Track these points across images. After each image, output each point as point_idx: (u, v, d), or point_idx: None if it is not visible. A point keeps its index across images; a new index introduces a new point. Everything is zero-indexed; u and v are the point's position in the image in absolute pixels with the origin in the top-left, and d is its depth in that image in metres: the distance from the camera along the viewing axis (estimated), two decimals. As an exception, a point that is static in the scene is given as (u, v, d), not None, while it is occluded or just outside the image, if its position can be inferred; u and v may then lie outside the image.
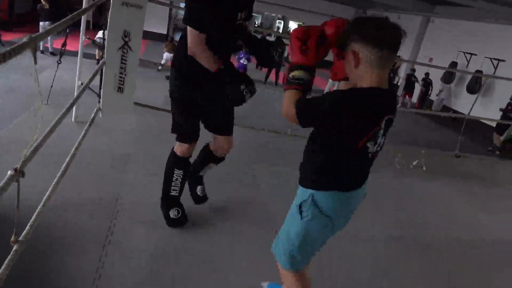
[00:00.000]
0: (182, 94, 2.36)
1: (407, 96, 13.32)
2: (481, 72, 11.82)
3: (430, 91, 13.45)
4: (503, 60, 11.68)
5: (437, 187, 4.09)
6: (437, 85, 13.38)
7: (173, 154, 2.54)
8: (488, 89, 12.30)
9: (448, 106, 13.55)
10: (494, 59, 11.91)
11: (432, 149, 5.30)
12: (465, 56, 12.93)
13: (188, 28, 2.08)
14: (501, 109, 10.29)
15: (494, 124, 10.24)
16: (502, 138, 10.43)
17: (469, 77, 12.49)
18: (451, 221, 3.47)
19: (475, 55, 12.63)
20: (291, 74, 1.51)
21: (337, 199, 1.56)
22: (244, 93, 2.05)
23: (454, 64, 12.89)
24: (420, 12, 14.08)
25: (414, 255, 2.89)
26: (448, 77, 13.25)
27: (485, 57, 12.06)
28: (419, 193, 3.92)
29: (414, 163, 4.54)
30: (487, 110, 10.28)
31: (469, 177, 4.49)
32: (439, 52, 13.93)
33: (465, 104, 12.81)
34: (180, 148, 2.51)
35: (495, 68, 11.87)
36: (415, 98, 13.69)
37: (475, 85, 12.16)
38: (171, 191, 2.54)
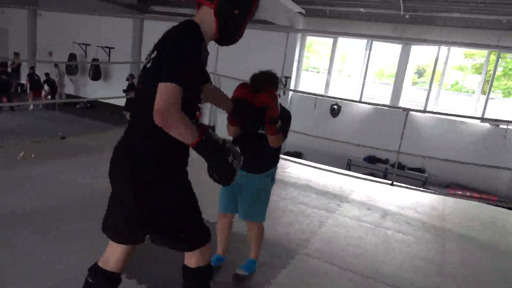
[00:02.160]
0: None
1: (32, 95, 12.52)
2: (98, 60, 12.88)
3: (58, 89, 13.23)
4: (113, 48, 13.21)
5: (46, 167, 4.29)
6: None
7: (195, 270, 1.82)
8: (107, 74, 13.68)
9: (77, 94, 14.13)
10: (106, 47, 13.26)
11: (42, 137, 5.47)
12: (81, 47, 13.66)
13: (163, 84, 1.44)
14: (124, 90, 11.73)
15: (119, 103, 11.61)
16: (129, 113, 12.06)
17: (89, 66, 13.35)
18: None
19: (90, 45, 13.57)
20: (277, 126, 2.25)
21: None
22: (235, 167, 1.63)
23: (73, 56, 13.36)
24: (24, 5, 13.44)
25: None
26: (71, 69, 13.67)
27: (98, 46, 13.18)
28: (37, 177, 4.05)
29: (21, 154, 4.50)
30: (112, 92, 11.42)
31: (74, 153, 4.96)
32: (57, 46, 13.97)
33: (92, 90, 13.76)
34: (205, 253, 1.83)
35: (109, 55, 13.27)
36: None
37: (95, 73, 13.18)
38: None
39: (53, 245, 2.75)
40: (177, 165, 1.77)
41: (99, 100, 12.77)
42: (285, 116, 2.38)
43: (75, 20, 13.72)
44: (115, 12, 11.97)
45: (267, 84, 2.33)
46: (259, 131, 2.39)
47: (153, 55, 1.59)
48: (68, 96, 13.42)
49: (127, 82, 11.65)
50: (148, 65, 1.61)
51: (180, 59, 1.48)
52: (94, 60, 12.77)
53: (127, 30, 12.91)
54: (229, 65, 11.28)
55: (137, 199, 1.65)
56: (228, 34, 1.72)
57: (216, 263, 2.66)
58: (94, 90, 13.56)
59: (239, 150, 1.67)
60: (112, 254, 1.79)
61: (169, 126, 1.46)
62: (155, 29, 13.44)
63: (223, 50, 11.74)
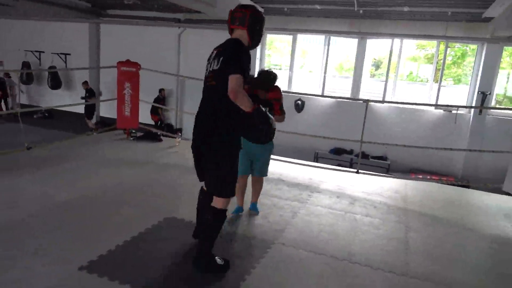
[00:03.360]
0: (233, 148, 2.58)
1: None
2: (55, 67, 12.42)
3: (10, 93, 12.65)
4: (69, 54, 12.79)
5: (10, 179, 4.16)
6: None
7: (218, 210, 2.63)
8: (68, 81, 13.24)
9: (37, 104, 13.55)
10: (62, 53, 12.82)
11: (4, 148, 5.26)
12: (35, 55, 13.11)
13: (231, 76, 2.34)
14: (82, 97, 11.42)
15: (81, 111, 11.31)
16: (93, 121, 11.77)
17: (46, 74, 12.85)
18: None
19: (43, 52, 13.06)
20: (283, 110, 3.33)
21: None
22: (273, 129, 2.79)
23: (26, 64, 12.81)
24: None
25: None
26: (28, 78, 13.10)
27: (53, 53, 12.71)
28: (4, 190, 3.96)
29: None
30: (74, 100, 11.09)
31: (39, 163, 4.83)
32: (8, 54, 13.32)
33: (50, 99, 13.28)
34: (226, 201, 2.65)
35: (65, 62, 12.83)
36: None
37: (54, 81, 12.71)
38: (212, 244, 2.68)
39: (25, 259, 2.70)
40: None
41: (55, 108, 12.37)
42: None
43: (26, 27, 13.16)
44: (70, 17, 11.60)
45: (274, 81, 3.46)
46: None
47: (220, 60, 2.48)
48: (23, 106, 12.85)
49: (85, 90, 11.37)
50: (216, 67, 2.50)
51: (240, 61, 2.41)
52: (51, 67, 12.30)
53: (83, 35, 12.53)
54: (192, 66, 11.26)
55: (225, 155, 2.56)
56: (256, 42, 2.68)
57: (238, 212, 3.72)
58: (53, 99, 13.08)
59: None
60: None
61: (238, 99, 2.35)
62: (112, 32, 13.25)
63: (185, 53, 11.70)
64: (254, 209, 3.81)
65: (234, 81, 2.33)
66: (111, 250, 2.88)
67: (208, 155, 2.59)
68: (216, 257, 2.69)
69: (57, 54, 12.78)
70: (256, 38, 2.63)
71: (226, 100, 2.39)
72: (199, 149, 2.64)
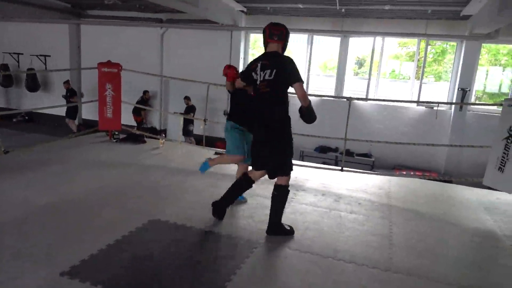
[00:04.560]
0: (290, 135, 3.32)
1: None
2: (33, 69, 12.15)
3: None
4: (49, 56, 12.53)
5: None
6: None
7: (284, 186, 3.31)
8: (47, 83, 12.97)
9: (17, 108, 13.24)
10: (41, 55, 12.54)
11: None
12: (13, 57, 12.81)
13: (296, 84, 3.10)
14: (63, 96, 11.19)
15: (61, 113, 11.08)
16: (76, 122, 11.57)
17: (24, 76, 12.56)
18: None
19: (22, 54, 12.76)
20: None
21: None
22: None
23: (5, 66, 12.48)
24: None
25: None
26: (7, 81, 12.76)
27: (32, 54, 12.43)
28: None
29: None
30: (53, 103, 10.83)
31: (20, 167, 4.72)
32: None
33: (29, 102, 13.02)
34: (288, 178, 3.32)
35: (45, 64, 12.57)
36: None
37: (33, 83, 12.42)
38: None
39: (4, 265, 2.63)
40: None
41: (35, 111, 12.10)
42: None
43: (4, 29, 12.84)
44: (50, 18, 11.37)
45: None
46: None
47: (274, 72, 3.11)
48: (1, 110, 12.55)
49: (66, 89, 11.13)
50: (270, 77, 3.13)
51: (297, 70, 3.13)
52: (30, 69, 12.01)
53: (63, 36, 12.30)
54: (176, 66, 11.18)
55: (282, 147, 3.27)
56: (284, 52, 3.31)
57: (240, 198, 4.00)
58: (32, 102, 12.79)
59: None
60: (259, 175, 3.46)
61: (306, 99, 3.19)
62: (93, 33, 13.05)
63: (168, 53, 11.60)
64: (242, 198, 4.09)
65: (301, 87, 3.11)
66: (94, 254, 2.83)
67: (270, 144, 3.25)
68: (284, 224, 3.40)
69: (37, 56, 12.49)
70: (285, 50, 3.31)
71: (279, 102, 3.20)
72: (260, 142, 3.29)
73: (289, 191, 3.34)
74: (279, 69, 3.11)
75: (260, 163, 3.36)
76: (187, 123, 9.94)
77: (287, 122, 3.28)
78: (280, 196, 3.31)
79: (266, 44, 3.25)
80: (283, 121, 3.24)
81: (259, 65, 3.20)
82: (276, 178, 3.33)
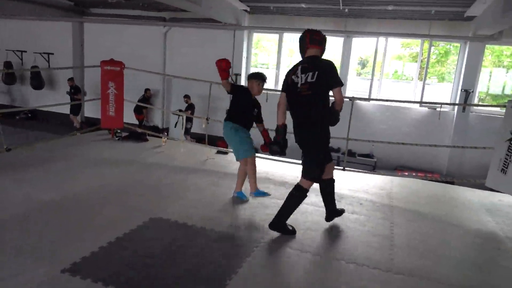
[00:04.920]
0: (325, 140, 3.32)
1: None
2: (37, 66, 12.17)
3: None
4: (52, 53, 12.55)
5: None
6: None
7: (303, 189, 3.32)
8: (51, 81, 13.00)
9: (13, 105, 13.26)
10: (45, 53, 12.57)
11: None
12: (16, 54, 12.84)
13: (337, 88, 3.18)
14: (67, 92, 11.20)
15: (65, 111, 11.11)
16: (79, 118, 11.60)
17: (28, 74, 12.58)
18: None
19: (25, 52, 12.80)
20: None
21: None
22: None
23: (8, 64, 12.51)
24: None
25: None
26: (10, 79, 12.78)
27: (35, 52, 12.46)
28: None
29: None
30: (58, 100, 10.84)
31: (22, 164, 4.73)
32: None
33: (34, 99, 13.04)
34: (310, 184, 3.33)
35: (48, 62, 12.60)
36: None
37: (37, 81, 12.44)
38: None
39: (5, 261, 2.64)
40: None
41: (39, 108, 12.13)
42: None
43: (7, 26, 12.88)
44: (53, 16, 11.39)
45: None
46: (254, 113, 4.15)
47: (315, 74, 3.14)
48: (3, 107, 12.58)
49: (70, 86, 11.17)
50: (312, 80, 3.15)
51: (338, 74, 3.23)
52: (33, 67, 12.04)
53: (66, 34, 12.32)
54: (178, 65, 11.19)
55: (314, 150, 3.30)
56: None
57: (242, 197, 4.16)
58: (37, 100, 12.82)
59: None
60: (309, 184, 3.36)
61: (342, 103, 3.20)
62: (96, 31, 13.08)
63: (171, 52, 11.61)
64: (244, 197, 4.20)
65: (340, 92, 3.20)
66: (95, 251, 2.84)
67: (305, 144, 3.31)
68: (287, 225, 3.40)
69: (40, 53, 12.52)
70: (323, 54, 3.40)
71: (319, 105, 3.20)
72: (299, 144, 3.35)
73: (306, 195, 3.34)
74: (321, 72, 3.15)
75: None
76: (186, 121, 9.96)
77: (324, 126, 3.27)
78: (295, 196, 3.32)
79: (305, 49, 3.30)
80: (320, 124, 3.23)
81: (299, 68, 3.23)
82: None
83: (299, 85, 3.20)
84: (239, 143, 3.95)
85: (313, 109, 3.21)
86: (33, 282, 2.43)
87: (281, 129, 3.33)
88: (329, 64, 3.21)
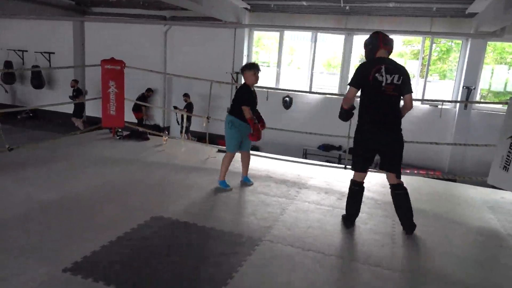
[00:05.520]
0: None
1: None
2: (38, 66, 12.20)
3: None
4: (53, 53, 12.56)
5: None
6: None
7: (402, 185, 3.57)
8: (52, 80, 13.02)
9: (21, 105, 13.27)
10: (45, 52, 12.59)
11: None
12: (17, 54, 12.86)
13: (410, 94, 3.47)
14: (70, 97, 11.24)
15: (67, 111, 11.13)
16: (81, 119, 11.60)
17: (29, 73, 12.60)
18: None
19: (26, 51, 12.81)
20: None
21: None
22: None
23: (9, 63, 12.54)
24: None
25: None
26: (9, 78, 12.81)
27: (36, 52, 12.48)
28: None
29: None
30: (58, 100, 10.85)
31: (23, 164, 4.75)
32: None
33: (34, 99, 13.05)
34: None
35: (49, 61, 12.60)
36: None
37: (38, 80, 12.46)
38: None
39: (7, 261, 2.64)
40: None
41: (40, 108, 12.14)
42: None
43: (8, 25, 12.88)
44: (54, 15, 11.38)
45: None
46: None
47: (401, 78, 3.29)
48: (4, 106, 12.61)
49: (72, 88, 11.17)
50: (398, 82, 3.28)
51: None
52: (34, 66, 12.06)
53: (67, 33, 12.32)
54: (179, 63, 11.18)
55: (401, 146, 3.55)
56: None
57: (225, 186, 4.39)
58: (38, 99, 12.84)
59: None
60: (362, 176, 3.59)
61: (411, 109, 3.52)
62: (97, 30, 13.08)
63: (172, 50, 11.61)
64: (247, 180, 4.62)
65: (411, 98, 3.43)
66: (96, 250, 2.83)
67: (395, 144, 3.48)
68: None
69: (41, 53, 12.53)
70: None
71: (399, 107, 3.46)
72: (381, 142, 3.43)
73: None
74: (405, 77, 3.33)
75: (388, 164, 3.55)
76: (184, 120, 9.97)
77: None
78: (406, 194, 3.57)
79: (376, 49, 3.37)
80: (401, 124, 3.50)
81: (383, 67, 3.27)
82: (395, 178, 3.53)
83: (383, 84, 3.26)
84: (229, 138, 4.30)
85: (397, 109, 3.42)
86: (35, 282, 2.43)
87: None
88: (407, 71, 3.42)
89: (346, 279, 2.77)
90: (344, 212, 3.78)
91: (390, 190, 3.60)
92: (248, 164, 4.64)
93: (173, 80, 11.59)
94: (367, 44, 3.43)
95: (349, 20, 9.68)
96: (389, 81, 3.25)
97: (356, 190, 3.57)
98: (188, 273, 2.64)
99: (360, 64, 3.56)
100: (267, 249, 3.07)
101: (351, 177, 3.66)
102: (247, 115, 4.06)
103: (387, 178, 3.62)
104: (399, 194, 3.52)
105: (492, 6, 7.20)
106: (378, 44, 3.36)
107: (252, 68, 4.19)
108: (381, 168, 3.60)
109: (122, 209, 3.66)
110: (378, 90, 3.28)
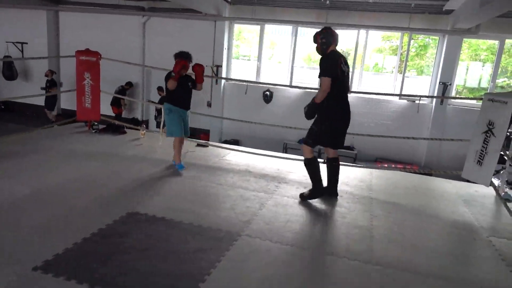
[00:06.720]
0: None
1: None
2: (10, 57, 11.75)
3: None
4: (26, 43, 12.11)
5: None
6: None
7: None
8: (24, 71, 12.56)
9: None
10: (18, 42, 12.12)
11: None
12: (-12, 44, 12.34)
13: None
14: (42, 88, 10.88)
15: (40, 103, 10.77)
16: (54, 112, 11.24)
17: (0, 64, 12.12)
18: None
19: (-4, 41, 12.31)
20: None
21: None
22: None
23: (-21, 53, 12.01)
24: None
25: None
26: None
27: (7, 42, 12.00)
28: None
29: None
30: (32, 91, 10.48)
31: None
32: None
33: (6, 92, 12.57)
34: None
35: (22, 51, 12.15)
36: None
37: (9, 71, 12.01)
38: None
39: (-25, 258, 2.52)
40: None
41: (12, 100, 11.71)
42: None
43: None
44: (27, 4, 10.94)
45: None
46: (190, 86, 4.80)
47: (348, 68, 3.90)
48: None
49: (46, 79, 10.81)
50: (348, 72, 3.89)
51: None
52: (6, 57, 11.59)
53: (41, 23, 11.88)
54: (157, 56, 10.96)
55: None
56: None
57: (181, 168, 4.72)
58: (10, 91, 12.35)
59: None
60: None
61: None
62: (73, 20, 12.66)
63: (151, 43, 11.34)
64: (180, 167, 4.78)
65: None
66: (68, 248, 2.74)
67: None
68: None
69: (13, 42, 12.06)
70: None
71: None
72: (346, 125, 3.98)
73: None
74: (348, 67, 3.94)
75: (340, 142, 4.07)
76: (158, 114, 9.84)
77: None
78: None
79: (330, 44, 3.80)
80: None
81: (341, 59, 3.78)
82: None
83: (345, 74, 3.83)
84: (170, 125, 4.63)
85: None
86: (3, 281, 2.33)
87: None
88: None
89: (324, 273, 2.77)
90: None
91: (327, 162, 4.18)
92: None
93: (152, 72, 11.36)
94: (322, 39, 3.79)
95: (329, 15, 9.70)
96: (346, 73, 3.83)
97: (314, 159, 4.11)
98: (165, 270, 2.59)
99: (327, 57, 3.78)
100: (245, 244, 3.05)
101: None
102: (174, 79, 4.48)
103: (327, 152, 4.17)
104: (336, 166, 4.14)
105: (468, 4, 7.34)
106: (332, 40, 3.80)
107: (185, 57, 4.85)
108: (332, 146, 4.07)
109: (97, 204, 3.56)
110: (344, 80, 3.80)
